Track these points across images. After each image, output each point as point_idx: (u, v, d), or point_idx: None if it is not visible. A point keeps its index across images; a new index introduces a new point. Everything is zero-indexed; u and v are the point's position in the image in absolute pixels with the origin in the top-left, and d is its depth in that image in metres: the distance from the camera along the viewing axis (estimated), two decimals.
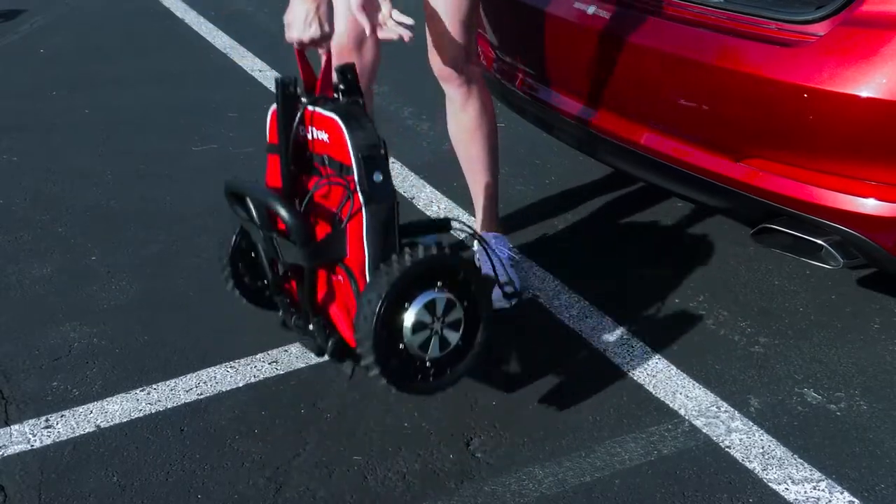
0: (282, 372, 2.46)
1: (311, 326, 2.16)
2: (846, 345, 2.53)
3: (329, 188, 2.07)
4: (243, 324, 2.60)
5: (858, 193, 2.20)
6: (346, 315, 2.11)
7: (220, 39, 5.23)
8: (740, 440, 2.20)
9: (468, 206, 3.14)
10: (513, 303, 2.65)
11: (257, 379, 2.44)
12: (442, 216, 3.17)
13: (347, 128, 2.00)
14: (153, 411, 2.33)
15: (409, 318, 1.97)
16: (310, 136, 2.11)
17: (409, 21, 2.20)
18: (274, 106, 2.11)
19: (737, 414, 2.28)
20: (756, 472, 2.10)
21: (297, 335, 2.24)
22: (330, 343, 2.13)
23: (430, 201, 3.28)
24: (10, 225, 3.24)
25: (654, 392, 2.36)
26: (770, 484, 2.07)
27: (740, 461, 2.14)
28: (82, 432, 2.26)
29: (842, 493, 2.04)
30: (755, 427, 2.24)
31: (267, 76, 4.63)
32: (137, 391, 2.40)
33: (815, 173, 2.25)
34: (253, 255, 2.29)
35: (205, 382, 2.43)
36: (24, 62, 4.93)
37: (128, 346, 2.58)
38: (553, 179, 3.42)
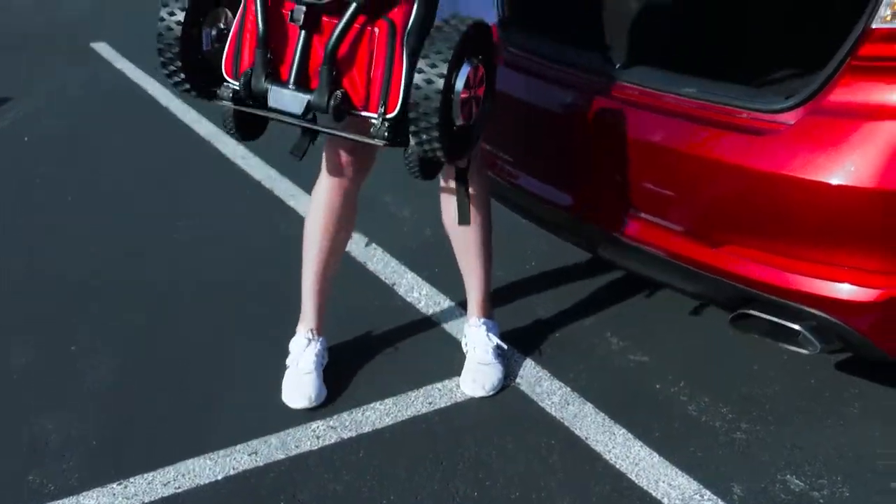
0: (261, 464, 2.43)
1: (319, 81, 2.03)
2: (826, 429, 2.52)
3: None
4: (221, 413, 2.58)
5: (833, 278, 2.22)
6: (363, 75, 2.04)
7: (203, 127, 5.25)
8: None
9: (450, 293, 3.15)
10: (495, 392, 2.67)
11: (236, 471, 2.41)
12: (422, 302, 3.18)
13: None
14: None
15: (459, 83, 2.00)
16: None
17: None
18: None
19: (720, 502, 2.26)
20: None
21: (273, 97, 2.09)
22: (333, 98, 2.02)
23: (412, 287, 3.29)
24: None
25: (636, 481, 2.34)
26: None
27: None
28: None
29: None
30: None
31: (251, 163, 4.65)
32: (114, 485, 2.37)
33: (790, 259, 2.27)
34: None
35: (182, 475, 2.40)
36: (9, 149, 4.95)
37: (104, 437, 2.55)
38: (533, 265, 3.44)
